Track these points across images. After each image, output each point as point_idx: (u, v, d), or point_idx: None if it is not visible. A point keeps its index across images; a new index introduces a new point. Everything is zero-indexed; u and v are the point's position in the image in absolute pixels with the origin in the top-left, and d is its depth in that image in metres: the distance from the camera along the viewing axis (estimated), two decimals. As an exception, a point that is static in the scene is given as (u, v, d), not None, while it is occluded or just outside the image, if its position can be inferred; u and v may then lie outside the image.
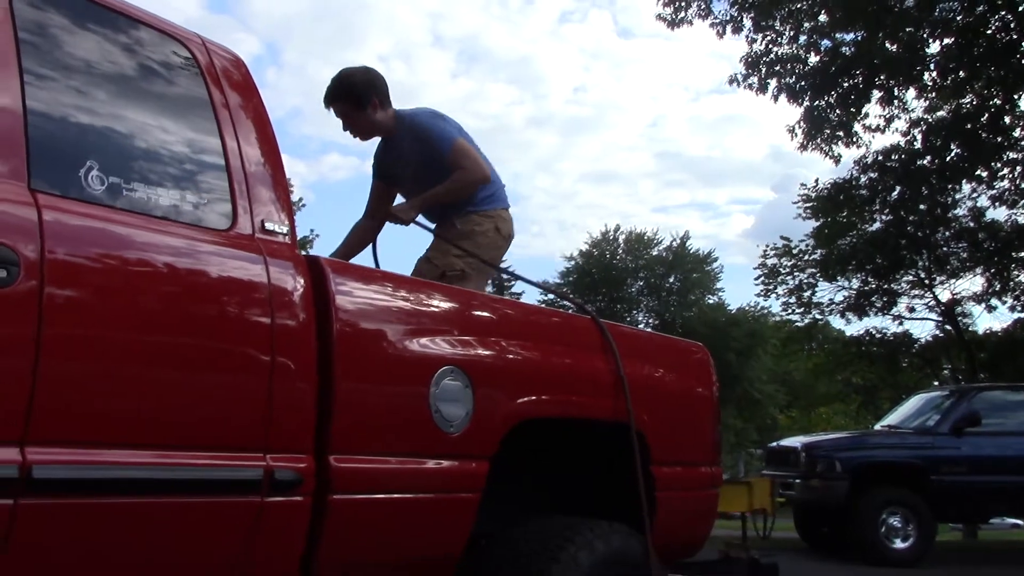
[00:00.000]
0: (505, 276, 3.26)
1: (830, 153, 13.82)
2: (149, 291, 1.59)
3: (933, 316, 17.36)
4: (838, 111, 13.42)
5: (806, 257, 17.43)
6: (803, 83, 13.17)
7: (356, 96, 3.20)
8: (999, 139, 12.93)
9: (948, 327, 17.03)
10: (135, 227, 1.61)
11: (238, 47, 2.40)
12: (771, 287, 18.22)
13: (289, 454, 1.71)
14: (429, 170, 3.25)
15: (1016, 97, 12.66)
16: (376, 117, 3.25)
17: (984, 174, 14.09)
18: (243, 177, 1.86)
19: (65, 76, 1.63)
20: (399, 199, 3.44)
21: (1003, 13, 11.79)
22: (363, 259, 3.36)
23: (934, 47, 12.53)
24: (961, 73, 12.34)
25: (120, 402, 1.50)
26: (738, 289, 65.71)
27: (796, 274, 17.77)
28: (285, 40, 55.65)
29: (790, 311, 18.34)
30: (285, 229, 1.90)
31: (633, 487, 2.41)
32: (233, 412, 1.66)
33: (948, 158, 13.58)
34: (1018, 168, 13.87)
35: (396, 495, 1.92)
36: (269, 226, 1.87)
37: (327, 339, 1.81)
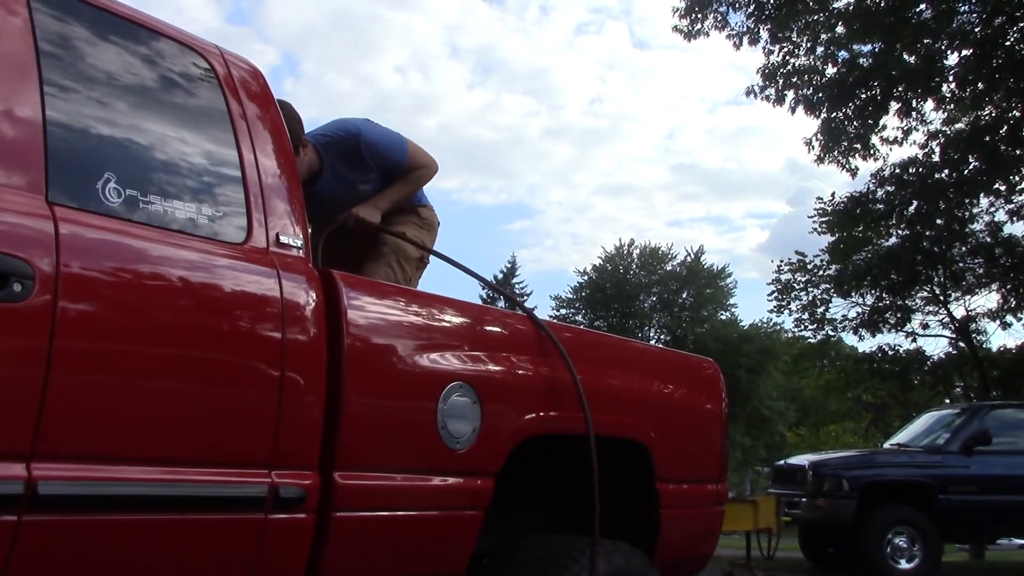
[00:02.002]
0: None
1: (847, 166, 13.78)
2: (161, 306, 1.59)
3: (947, 333, 17.27)
4: (855, 123, 13.36)
5: (820, 272, 17.36)
6: (820, 95, 13.11)
7: (295, 140, 2.47)
8: (1018, 151, 12.83)
9: (961, 344, 16.91)
10: (150, 240, 1.61)
11: (256, 58, 2.41)
12: (784, 303, 18.16)
13: (294, 470, 1.72)
14: (374, 190, 2.85)
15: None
16: (306, 159, 2.67)
17: (1002, 188, 14.00)
18: (259, 189, 1.87)
19: (84, 87, 1.64)
20: None
21: (1022, 25, 11.70)
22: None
23: (952, 59, 12.48)
24: (980, 85, 12.25)
25: (128, 417, 1.50)
26: (751, 305, 65.40)
27: (810, 290, 17.71)
28: (303, 51, 56.02)
29: (803, 327, 18.27)
30: (299, 242, 1.91)
31: (586, 497, 2.33)
32: (241, 428, 1.66)
33: (966, 171, 13.49)
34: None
35: (400, 512, 1.92)
36: (284, 239, 1.87)
37: (337, 354, 1.82)
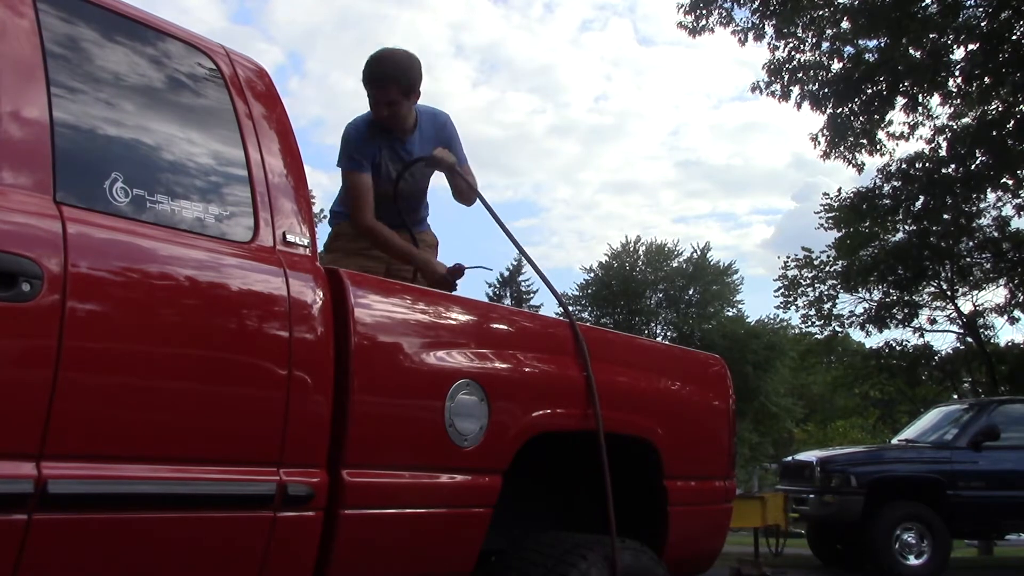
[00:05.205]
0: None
1: (853, 161, 13.74)
2: (169, 305, 1.60)
3: (954, 328, 17.20)
4: (861, 118, 13.32)
5: (827, 268, 17.31)
6: (826, 90, 13.07)
7: (409, 83, 3.00)
8: (1025, 146, 12.77)
9: (969, 339, 16.85)
10: (157, 239, 1.62)
11: (261, 57, 2.43)
12: (791, 299, 18.11)
13: (302, 468, 1.72)
14: (426, 174, 3.23)
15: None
16: (409, 109, 3.09)
17: (1009, 182, 13.95)
18: (265, 189, 1.87)
19: (90, 88, 1.64)
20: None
21: (1028, 19, 11.66)
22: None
23: (958, 53, 12.44)
24: (986, 79, 12.19)
25: (137, 416, 1.51)
26: (757, 301, 65.21)
27: (817, 286, 17.66)
28: (307, 50, 56.07)
29: (810, 323, 18.22)
30: (306, 241, 1.91)
31: (602, 496, 2.35)
32: (249, 426, 1.67)
33: (973, 166, 13.44)
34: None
35: (408, 510, 1.93)
36: (290, 238, 1.87)
37: (345, 352, 1.82)
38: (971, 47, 12.11)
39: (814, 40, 13.08)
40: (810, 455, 9.02)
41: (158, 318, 1.57)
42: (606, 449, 2.50)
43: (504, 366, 2.19)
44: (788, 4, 12.34)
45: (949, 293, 16.66)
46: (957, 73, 12.48)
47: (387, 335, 1.96)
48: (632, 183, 54.62)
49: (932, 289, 16.79)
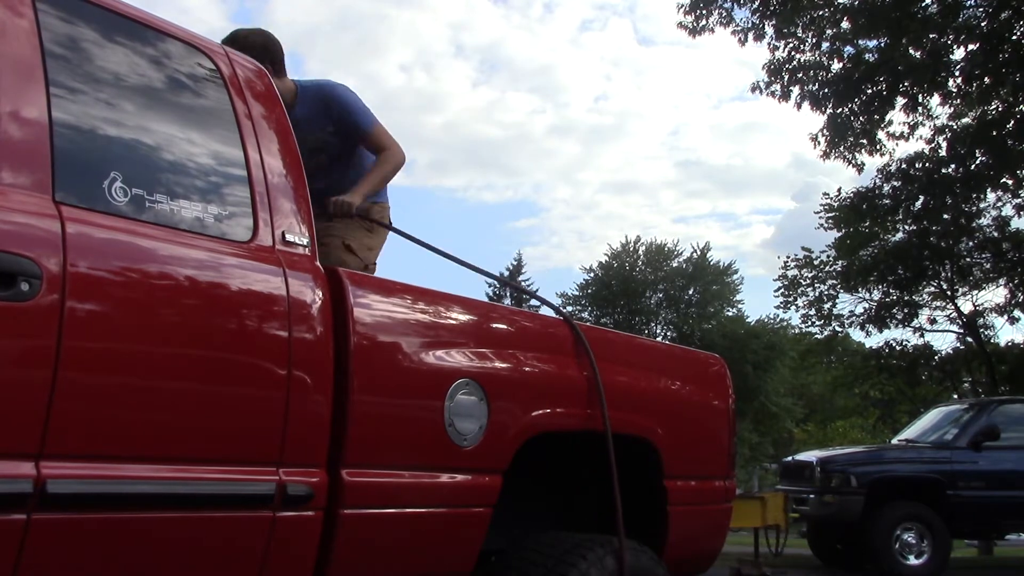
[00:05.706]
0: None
1: (853, 161, 13.73)
2: (168, 304, 1.60)
3: (954, 328, 17.21)
4: (861, 118, 13.32)
5: (827, 268, 17.31)
6: (826, 90, 13.07)
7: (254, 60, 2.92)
8: (1025, 146, 12.77)
9: (969, 339, 16.86)
10: (156, 239, 1.62)
11: (261, 57, 2.41)
12: (791, 299, 18.11)
13: (302, 468, 1.72)
14: (334, 147, 3.00)
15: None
16: (279, 84, 2.89)
17: (1009, 182, 13.96)
18: (264, 188, 1.88)
19: (90, 88, 1.65)
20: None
21: (1028, 19, 11.66)
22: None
23: (958, 53, 12.44)
24: (986, 79, 12.20)
25: (136, 416, 1.51)
26: (757, 301, 65.23)
27: (817, 285, 17.66)
28: (308, 50, 55.99)
29: (810, 323, 18.22)
30: (305, 241, 1.91)
31: (611, 498, 2.34)
32: (249, 426, 1.67)
33: (973, 166, 13.45)
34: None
35: (408, 510, 1.93)
36: (290, 238, 1.88)
37: (344, 352, 1.82)
38: (971, 47, 12.11)
39: (814, 40, 13.09)
40: (810, 455, 9.02)
41: (157, 318, 1.57)
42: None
43: (504, 366, 2.19)
44: (788, 4, 12.34)
45: (949, 293, 16.67)
46: (957, 73, 12.48)
47: (387, 335, 1.96)
48: (632, 183, 54.64)
49: (932, 289, 16.79)
